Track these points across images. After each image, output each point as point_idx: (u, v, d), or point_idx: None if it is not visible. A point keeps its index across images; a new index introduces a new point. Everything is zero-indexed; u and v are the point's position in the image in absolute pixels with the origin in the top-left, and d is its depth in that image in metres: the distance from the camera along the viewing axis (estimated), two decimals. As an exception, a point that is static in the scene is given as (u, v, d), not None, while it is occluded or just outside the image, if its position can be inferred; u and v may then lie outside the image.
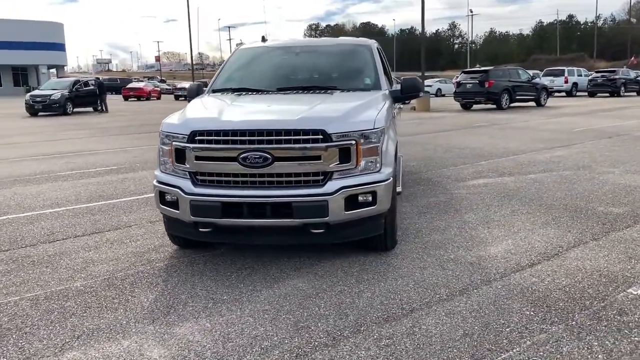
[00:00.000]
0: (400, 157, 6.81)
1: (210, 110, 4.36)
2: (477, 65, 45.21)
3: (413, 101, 26.40)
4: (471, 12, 78.69)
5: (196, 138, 4.01)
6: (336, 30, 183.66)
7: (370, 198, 4.03)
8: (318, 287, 3.87)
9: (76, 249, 4.89)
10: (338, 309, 3.49)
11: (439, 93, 42.44)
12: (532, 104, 24.46)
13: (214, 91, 5.30)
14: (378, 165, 4.09)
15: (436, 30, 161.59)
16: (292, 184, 3.93)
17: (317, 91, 4.92)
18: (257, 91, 5.12)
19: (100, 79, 31.79)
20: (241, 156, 3.88)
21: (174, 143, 4.13)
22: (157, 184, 4.28)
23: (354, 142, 3.93)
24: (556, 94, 33.93)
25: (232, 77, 5.50)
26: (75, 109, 26.15)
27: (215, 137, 3.96)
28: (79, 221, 5.87)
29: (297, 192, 3.88)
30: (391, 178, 4.19)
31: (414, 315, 3.37)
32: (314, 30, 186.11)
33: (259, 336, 3.15)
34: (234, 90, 5.19)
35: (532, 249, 4.58)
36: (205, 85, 5.64)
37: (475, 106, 24.15)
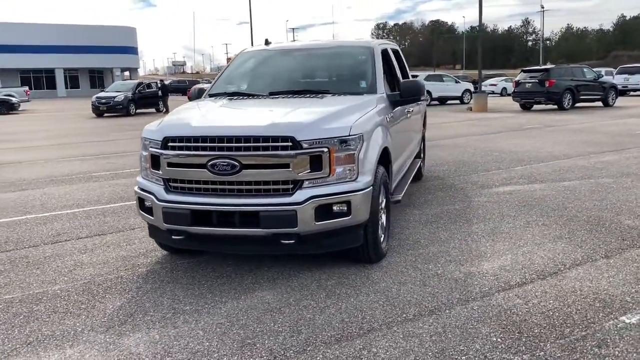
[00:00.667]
0: (419, 163, 6.55)
1: (189, 115, 4.31)
2: (548, 64, 43.12)
3: (470, 101, 25.58)
4: (542, 7, 75.27)
5: (168, 144, 3.97)
6: (404, 29, 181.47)
7: (344, 208, 3.84)
8: (285, 300, 3.73)
9: (72, 251, 4.98)
10: (294, 326, 3.33)
11: (504, 92, 40.91)
12: (599, 104, 23.05)
13: (211, 95, 5.26)
14: (354, 173, 3.89)
15: (509, 27, 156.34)
16: (261, 192, 3.81)
17: (308, 95, 4.76)
18: (249, 96, 5.03)
19: (164, 80, 32.88)
20: (210, 163, 3.80)
21: (150, 149, 4.11)
22: (137, 189, 4.28)
23: (326, 149, 3.76)
24: (631, 93, 31.85)
25: (230, 81, 5.45)
26: (138, 110, 27.18)
27: (186, 144, 3.90)
28: (89, 223, 6.01)
29: (265, 201, 3.76)
30: (370, 187, 3.98)
31: (369, 337, 3.16)
32: (381, 29, 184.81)
33: (199, 352, 3.06)
34: (228, 95, 5.13)
35: (530, 265, 4.23)
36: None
37: (536, 107, 23.07)
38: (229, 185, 3.84)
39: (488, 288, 3.82)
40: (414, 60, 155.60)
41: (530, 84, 21.78)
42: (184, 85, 55.71)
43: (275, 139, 3.73)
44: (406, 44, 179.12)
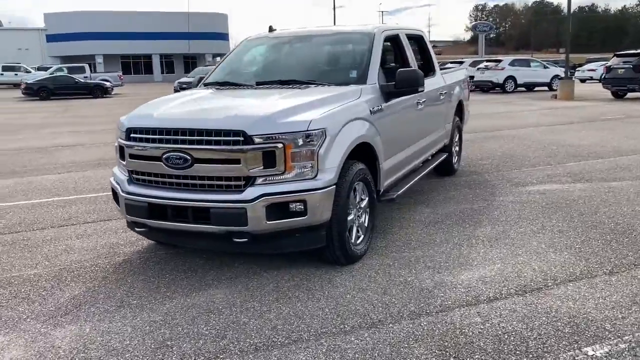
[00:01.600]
0: (443, 157, 6.16)
1: (158, 106, 4.25)
2: (658, 46, 39.26)
3: (556, 89, 23.87)
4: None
5: (131, 135, 3.94)
6: (504, 11, 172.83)
7: (300, 207, 3.62)
8: (231, 300, 3.60)
9: (70, 236, 5.13)
10: (222, 330, 3.20)
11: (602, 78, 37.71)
12: None
13: (205, 84, 5.18)
14: (314, 171, 3.65)
15: (622, 7, 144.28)
16: (214, 188, 3.68)
17: (291, 86, 4.55)
18: (238, 85, 4.90)
19: None
20: (164, 156, 3.73)
21: (118, 139, 4.11)
22: (111, 179, 4.30)
23: (281, 144, 3.55)
24: None
25: (225, 69, 5.33)
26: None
27: (145, 135, 3.85)
28: (103, 207, 6.18)
29: (216, 197, 3.63)
30: (331, 186, 3.72)
31: (290, 348, 2.96)
32: (480, 11, 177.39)
33: (115, 350, 3.01)
34: (219, 84, 5.03)
35: (514, 278, 3.80)
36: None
37: (630, 95, 21.06)
38: (183, 179, 3.75)
39: (451, 302, 3.46)
40: (514, 43, 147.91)
41: (623, 70, 19.89)
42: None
43: (226, 132, 3.58)
44: (507, 26, 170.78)
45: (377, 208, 4.54)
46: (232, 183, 3.63)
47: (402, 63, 5.53)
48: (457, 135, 7.38)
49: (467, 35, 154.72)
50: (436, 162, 6.30)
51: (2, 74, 42.01)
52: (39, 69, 41.56)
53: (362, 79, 4.59)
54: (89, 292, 3.81)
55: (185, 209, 3.71)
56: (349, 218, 4.05)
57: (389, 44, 5.48)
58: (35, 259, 4.54)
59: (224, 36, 63.99)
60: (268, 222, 3.58)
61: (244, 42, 5.67)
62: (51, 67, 39.26)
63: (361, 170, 4.11)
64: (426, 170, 5.77)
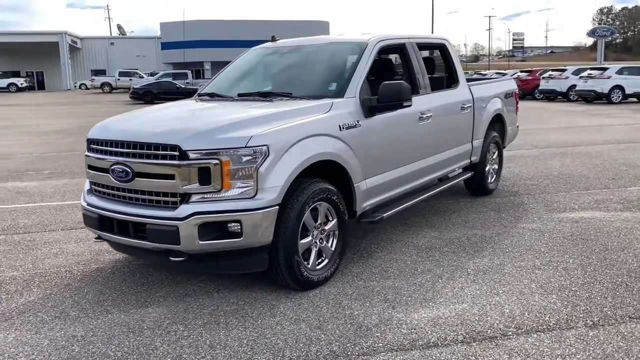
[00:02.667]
0: (466, 175, 5.73)
1: (121, 117, 4.24)
2: None
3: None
4: None
5: (90, 146, 3.97)
6: (634, 14, 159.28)
7: (236, 228, 3.43)
8: (161, 321, 3.49)
9: (68, 240, 5.31)
10: (126, 354, 3.08)
11: None
12: None
13: (198, 95, 5.14)
14: (252, 190, 3.44)
15: None
16: (153, 203, 3.59)
17: (267, 98, 4.38)
18: (220, 97, 4.80)
19: None
20: (111, 168, 3.71)
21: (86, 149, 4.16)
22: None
23: (217, 161, 3.38)
24: None
25: (220, 80, 5.26)
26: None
27: (98, 147, 3.87)
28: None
29: (152, 212, 3.54)
30: (274, 207, 3.49)
31: (177, 381, 2.77)
32: (605, 14, 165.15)
33: (15, 364, 2.99)
34: (209, 95, 4.96)
35: (474, 322, 3.35)
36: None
37: None
38: (127, 192, 3.69)
39: (382, 344, 3.10)
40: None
41: None
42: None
43: (163, 147, 3.49)
44: (636, 30, 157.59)
45: (348, 231, 4.21)
46: (169, 199, 3.52)
47: (408, 75, 5.14)
48: (495, 152, 6.76)
49: (590, 41, 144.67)
50: (451, 183, 5.80)
51: (119, 79, 45.63)
52: (151, 74, 44.58)
53: (340, 93, 4.30)
54: (41, 299, 3.87)
55: (126, 223, 3.65)
56: (304, 241, 3.79)
57: (390, 55, 5.13)
58: (22, 261, 4.71)
59: (325, 43, 64.85)
60: (201, 242, 3.42)
61: (247, 53, 5.57)
62: (158, 73, 41.87)
63: (323, 190, 3.83)
64: (429, 194, 5.30)
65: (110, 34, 73.53)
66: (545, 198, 6.51)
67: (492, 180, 6.79)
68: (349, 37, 5.01)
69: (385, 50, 4.94)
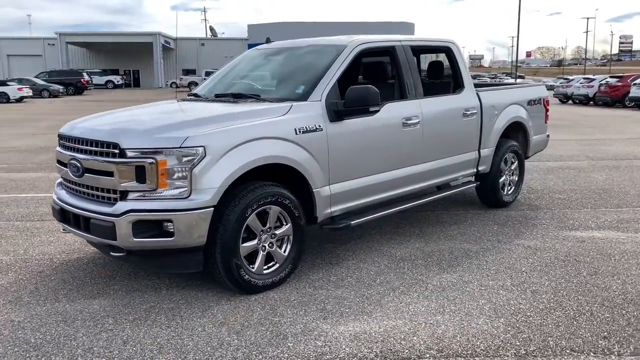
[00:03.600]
0: (469, 186, 5.51)
1: (96, 115, 4.40)
2: None
3: None
4: None
5: (59, 141, 4.17)
6: None
7: (168, 227, 3.48)
8: (96, 314, 3.60)
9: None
10: (43, 344, 3.21)
11: None
12: None
13: (188, 95, 5.24)
14: (187, 191, 3.47)
15: None
16: (98, 198, 3.72)
17: (234, 100, 4.41)
18: (200, 98, 4.87)
19: None
20: (69, 163, 3.88)
21: None
22: None
23: (152, 160, 3.45)
24: None
25: (212, 81, 5.32)
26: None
27: (63, 142, 4.05)
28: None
29: (96, 208, 3.66)
30: (208, 208, 3.50)
31: (71, 372, 2.86)
32: None
33: (-56, 342, 3.20)
34: (195, 96, 5.06)
35: (399, 340, 3.19)
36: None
37: None
38: (80, 187, 3.85)
39: (286, 355, 3.03)
40: None
41: None
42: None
43: (105, 144, 3.60)
44: None
45: (305, 236, 4.13)
46: (111, 195, 3.62)
47: (397, 78, 4.96)
48: (514, 163, 6.36)
49: None
50: (446, 193, 5.53)
51: (205, 79, 47.50)
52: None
53: (305, 96, 4.23)
54: (9, 284, 4.12)
55: (78, 217, 3.79)
56: (248, 244, 3.77)
57: (379, 57, 4.97)
58: (19, 247, 5.02)
59: (409, 45, 63.98)
60: (135, 239, 3.50)
61: (243, 54, 5.61)
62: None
63: (271, 193, 3.79)
64: (413, 203, 5.06)
65: (206, 35, 76.71)
66: (564, 214, 6.04)
67: (509, 192, 6.39)
68: (332, 40, 4.91)
69: (369, 53, 4.79)
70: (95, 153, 3.65)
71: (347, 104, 4.18)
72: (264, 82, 4.84)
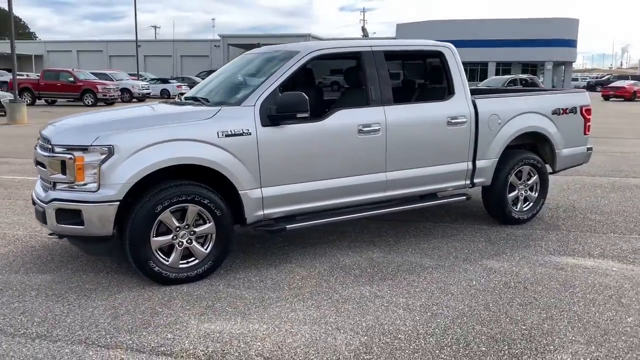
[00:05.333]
0: (458, 198, 5.40)
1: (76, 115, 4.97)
2: None
3: None
4: None
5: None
6: None
7: (79, 217, 3.92)
8: (31, 285, 4.15)
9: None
10: (-29, 304, 3.81)
11: None
12: None
13: (177, 97, 5.65)
14: (96, 185, 3.88)
15: None
16: (44, 189, 4.26)
17: (192, 104, 4.74)
18: (173, 101, 5.25)
19: (532, 77, 30.68)
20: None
21: None
22: None
23: (71, 155, 3.91)
24: None
25: (198, 85, 5.66)
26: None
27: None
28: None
29: (41, 196, 4.20)
30: (113, 202, 3.87)
31: (-43, 331, 3.41)
32: None
33: None
34: (178, 98, 5.45)
35: (215, 340, 3.27)
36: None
37: None
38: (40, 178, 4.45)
39: (126, 339, 3.27)
40: None
41: None
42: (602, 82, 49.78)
43: (46, 140, 4.13)
44: None
45: (230, 236, 4.30)
46: (48, 185, 4.14)
47: (361, 85, 4.89)
48: (532, 177, 5.84)
49: None
50: (416, 205, 5.26)
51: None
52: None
53: (240, 101, 4.40)
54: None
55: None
56: (160, 238, 4.06)
57: (349, 63, 4.95)
58: (6, 227, 5.76)
59: (569, 42, 58.98)
60: (57, 225, 3.98)
61: (233, 59, 5.89)
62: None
63: (187, 192, 4.04)
64: (374, 212, 4.95)
65: (362, 36, 78.17)
66: (576, 237, 5.42)
67: (524, 209, 5.87)
68: (290, 46, 4.96)
69: (330, 59, 4.78)
70: (42, 148, 4.19)
71: (278, 109, 4.27)
72: (226, 86, 5.05)
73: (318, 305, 3.80)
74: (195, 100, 4.82)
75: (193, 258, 4.22)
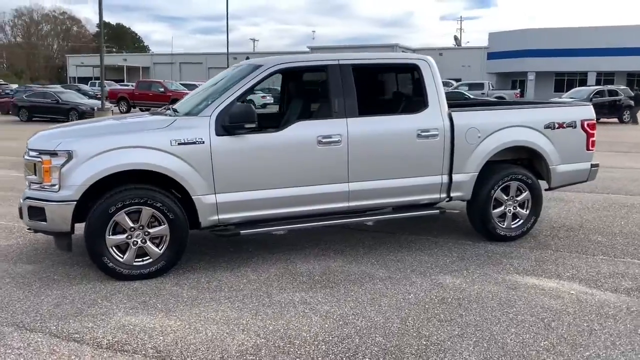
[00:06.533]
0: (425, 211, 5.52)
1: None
2: None
3: None
4: None
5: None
6: None
7: (43, 214, 4.39)
8: (6, 271, 4.69)
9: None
10: (-48, 286, 4.40)
11: None
12: None
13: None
14: (57, 186, 4.34)
15: None
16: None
17: (163, 114, 5.11)
18: (158, 111, 5.64)
19: (625, 88, 28.40)
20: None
21: None
22: None
23: (39, 159, 4.41)
24: None
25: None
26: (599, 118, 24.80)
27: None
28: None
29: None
30: (70, 202, 4.30)
31: None
32: None
33: None
34: (166, 109, 5.84)
35: (147, 336, 3.55)
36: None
37: None
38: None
39: (49, 325, 3.65)
40: None
41: None
42: None
43: (27, 145, 4.67)
44: None
45: (184, 238, 4.58)
46: (27, 185, 4.66)
47: (325, 97, 5.03)
48: (523, 193, 5.64)
49: None
50: (389, 216, 5.27)
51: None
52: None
53: (199, 111, 4.70)
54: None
55: None
56: (115, 237, 4.42)
57: (312, 76, 5.10)
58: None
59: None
60: (29, 220, 4.49)
61: (224, 70, 6.18)
62: (452, 83, 42.36)
63: (140, 195, 4.39)
64: (336, 222, 5.06)
65: (454, 45, 76.76)
66: (557, 257, 5.18)
67: (512, 226, 5.68)
68: (258, 60, 5.16)
69: (293, 73, 4.97)
70: (25, 152, 4.72)
71: (231, 120, 4.52)
72: (200, 98, 5.34)
73: (242, 307, 3.98)
74: (174, 111, 5.17)
75: (148, 257, 4.54)
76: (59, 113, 23.14)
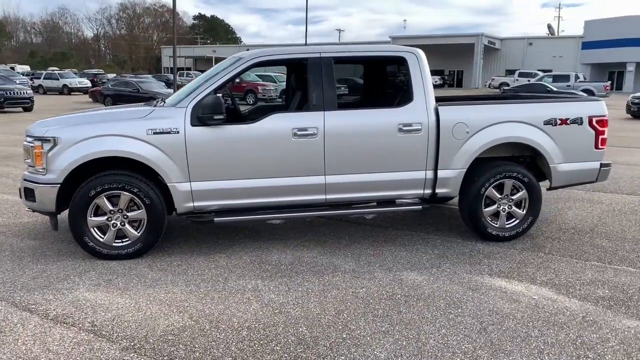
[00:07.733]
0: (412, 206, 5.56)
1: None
2: None
3: None
4: None
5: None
6: None
7: (32, 194, 4.83)
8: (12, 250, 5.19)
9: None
10: (-42, 256, 4.95)
11: None
12: None
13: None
14: (45, 170, 4.76)
15: None
16: (28, 171, 5.27)
17: (152, 104, 5.39)
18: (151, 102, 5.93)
19: None
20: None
21: None
22: None
23: (33, 144, 4.84)
24: None
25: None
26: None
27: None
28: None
29: (23, 176, 5.23)
30: (54, 184, 4.69)
31: None
32: None
33: None
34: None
35: (98, 311, 3.84)
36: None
37: None
38: (34, 164, 5.48)
39: (30, 301, 4.03)
40: None
41: None
42: None
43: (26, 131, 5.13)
44: None
45: (158, 222, 4.85)
46: (26, 168, 5.12)
47: (304, 90, 5.10)
48: (519, 192, 5.42)
49: None
50: (370, 210, 5.25)
51: (517, 79, 45.54)
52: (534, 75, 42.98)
53: (178, 102, 4.92)
54: (22, 222, 6.07)
55: None
56: (96, 218, 4.77)
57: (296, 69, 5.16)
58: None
59: None
60: (25, 200, 4.94)
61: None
62: (538, 74, 40.18)
63: (117, 180, 4.70)
64: (310, 214, 5.13)
65: (547, 34, 73.01)
66: (537, 260, 4.93)
67: (506, 226, 5.47)
68: (242, 53, 5.28)
69: (272, 65, 5.08)
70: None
71: (203, 111, 4.71)
72: (188, 89, 5.53)
73: (193, 290, 4.17)
74: (164, 102, 5.44)
75: (127, 239, 4.85)
76: (139, 101, 24.51)
